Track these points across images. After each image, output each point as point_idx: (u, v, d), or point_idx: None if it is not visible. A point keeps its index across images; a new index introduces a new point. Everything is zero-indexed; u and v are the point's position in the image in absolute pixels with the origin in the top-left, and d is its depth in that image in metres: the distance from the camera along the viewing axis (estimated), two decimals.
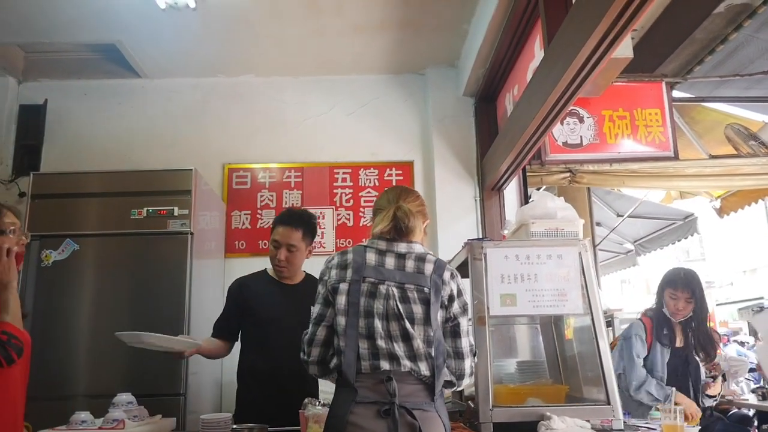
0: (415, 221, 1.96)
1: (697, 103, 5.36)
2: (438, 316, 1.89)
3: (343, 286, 1.89)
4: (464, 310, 1.95)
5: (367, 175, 4.52)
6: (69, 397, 3.18)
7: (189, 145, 4.50)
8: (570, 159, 4.54)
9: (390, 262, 1.92)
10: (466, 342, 1.92)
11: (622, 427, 2.25)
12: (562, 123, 4.49)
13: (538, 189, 4.86)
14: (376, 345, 1.83)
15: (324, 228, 4.41)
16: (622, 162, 4.58)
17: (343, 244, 4.36)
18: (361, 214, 4.45)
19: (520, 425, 2.20)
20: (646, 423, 2.93)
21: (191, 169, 3.55)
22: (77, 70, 4.55)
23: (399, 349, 1.83)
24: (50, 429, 2.16)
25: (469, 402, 2.50)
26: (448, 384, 1.92)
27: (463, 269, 2.68)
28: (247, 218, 4.43)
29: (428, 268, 1.92)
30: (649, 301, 3.78)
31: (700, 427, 3.07)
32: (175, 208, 3.45)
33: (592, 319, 2.36)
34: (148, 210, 3.47)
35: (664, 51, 4.61)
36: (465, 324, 1.94)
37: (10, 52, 4.40)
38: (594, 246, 6.22)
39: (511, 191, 4.42)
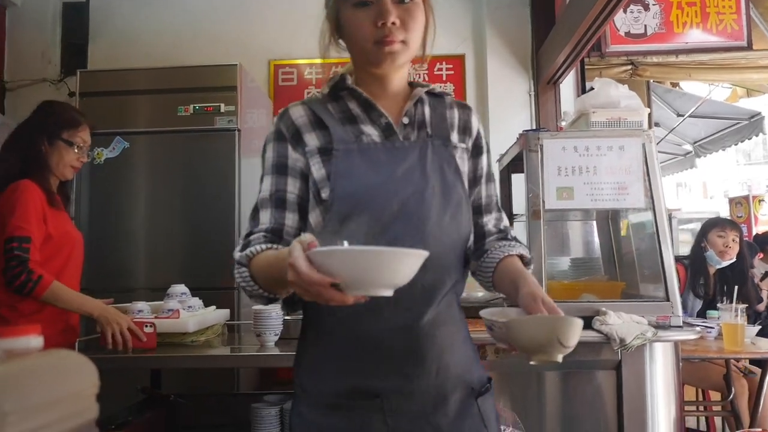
0: None
1: None
2: None
3: None
4: None
5: (416, 69, 4.30)
6: (129, 290, 3.28)
7: (234, 41, 4.38)
8: (632, 50, 4.27)
9: None
10: None
11: (680, 324, 2.17)
12: (625, 11, 4.19)
13: None
14: None
15: None
16: (690, 53, 4.28)
17: None
18: None
19: None
20: (704, 321, 2.86)
21: (236, 64, 3.48)
22: None
23: None
24: None
25: None
26: None
27: (517, 163, 2.58)
28: None
29: None
30: (707, 206, 3.64)
31: (760, 327, 3.00)
32: (222, 105, 3.40)
33: (654, 214, 2.25)
34: (194, 107, 3.43)
35: None
36: None
37: None
38: None
39: (567, 86, 4.18)
